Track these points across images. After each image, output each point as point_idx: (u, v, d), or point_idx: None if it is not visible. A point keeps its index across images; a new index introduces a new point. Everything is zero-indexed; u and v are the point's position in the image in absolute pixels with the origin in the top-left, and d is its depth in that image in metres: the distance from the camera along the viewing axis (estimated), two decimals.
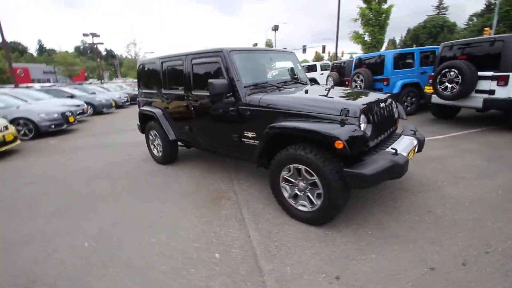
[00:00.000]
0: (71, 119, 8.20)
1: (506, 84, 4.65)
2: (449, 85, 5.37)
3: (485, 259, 1.96)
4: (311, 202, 2.45)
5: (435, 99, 5.88)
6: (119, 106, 14.42)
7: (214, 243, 2.37)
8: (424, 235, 2.28)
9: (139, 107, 4.91)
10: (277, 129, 2.49)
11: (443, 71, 5.39)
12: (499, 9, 39.90)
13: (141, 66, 4.62)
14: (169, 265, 2.12)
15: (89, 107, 11.50)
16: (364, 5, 13.65)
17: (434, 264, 1.95)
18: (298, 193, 2.55)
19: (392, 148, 2.39)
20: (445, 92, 5.46)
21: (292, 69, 3.88)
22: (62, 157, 5.48)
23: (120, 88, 18.24)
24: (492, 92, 4.85)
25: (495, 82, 4.78)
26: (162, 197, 3.33)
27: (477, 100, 5.07)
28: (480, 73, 4.94)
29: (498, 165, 3.59)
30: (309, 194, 2.46)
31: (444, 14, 59.70)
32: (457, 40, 5.72)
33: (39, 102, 9.00)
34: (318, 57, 68.47)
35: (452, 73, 5.26)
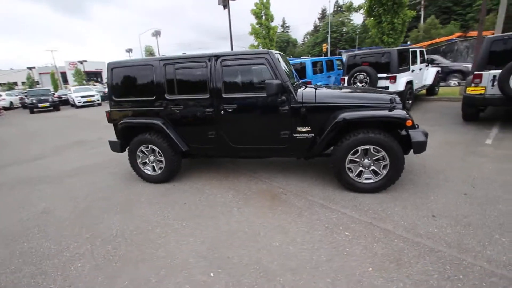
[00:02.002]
0: None
1: (395, 81, 6.95)
2: (360, 84, 7.36)
3: (474, 190, 3.21)
4: (376, 174, 3.09)
5: None
6: None
7: (337, 231, 2.51)
8: (438, 181, 3.39)
9: (111, 121, 3.96)
10: (350, 120, 2.95)
11: (355, 74, 7.32)
12: (322, 30, 53.15)
13: (116, 70, 3.76)
14: (336, 262, 2.11)
15: None
16: (255, 21, 15.67)
17: (466, 191, 3.03)
18: (363, 169, 3.12)
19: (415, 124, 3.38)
20: None
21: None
22: None
23: None
24: (387, 87, 7.08)
25: (388, 81, 7.02)
26: (220, 210, 3.04)
27: None
28: (379, 75, 7.10)
29: None
30: (374, 167, 3.08)
31: (288, 32, 74.67)
32: (359, 52, 7.88)
33: None
34: None
35: (361, 76, 7.24)
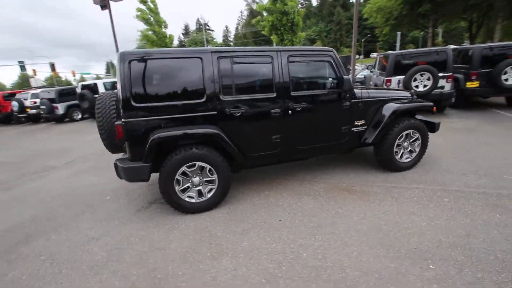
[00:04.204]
0: None
1: None
2: None
3: (458, 154, 4.57)
4: (411, 153, 3.79)
5: None
6: None
7: (439, 201, 2.91)
8: (432, 152, 4.52)
9: (129, 138, 2.70)
10: (405, 110, 3.50)
11: None
12: (188, 46, 55.16)
13: (136, 65, 2.60)
14: (477, 220, 2.50)
15: None
16: (145, 27, 14.14)
17: (453, 156, 4.24)
18: (404, 151, 3.75)
19: None
20: None
21: None
22: None
23: None
24: None
25: None
26: (327, 216, 2.81)
27: None
28: None
29: None
30: (410, 148, 3.77)
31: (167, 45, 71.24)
32: None
33: None
34: (25, 77, 53.76)
35: None
